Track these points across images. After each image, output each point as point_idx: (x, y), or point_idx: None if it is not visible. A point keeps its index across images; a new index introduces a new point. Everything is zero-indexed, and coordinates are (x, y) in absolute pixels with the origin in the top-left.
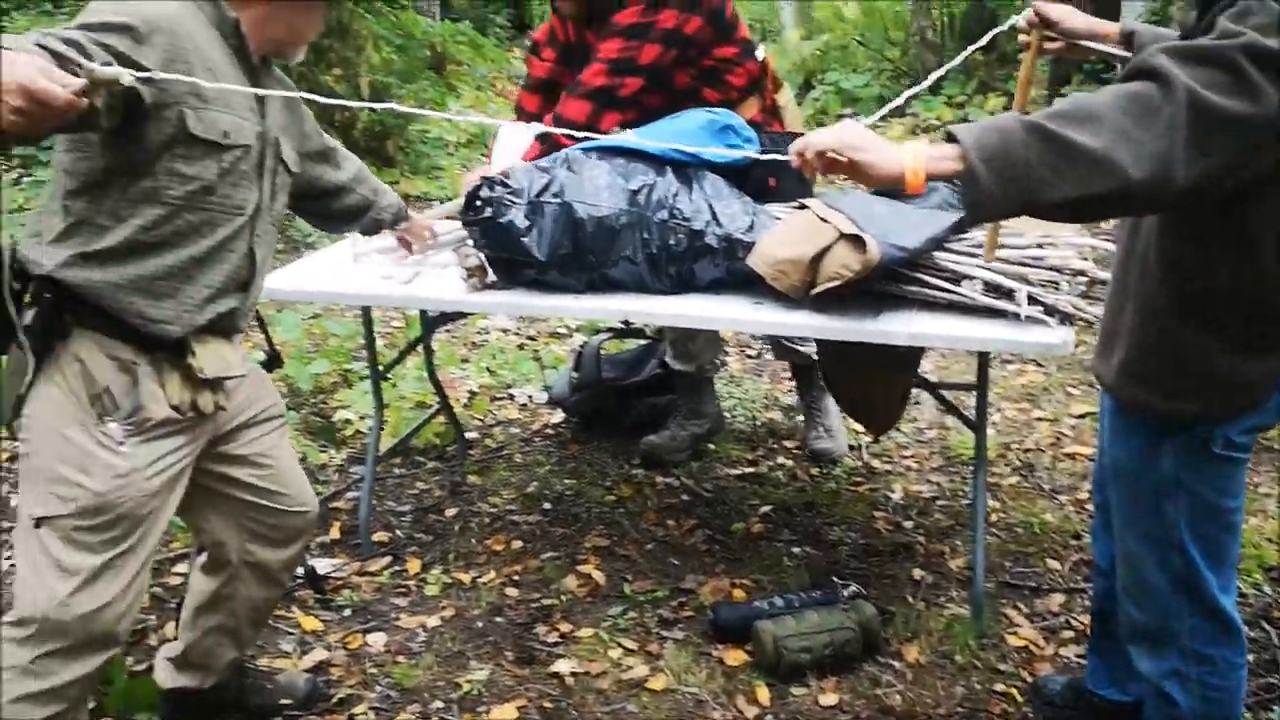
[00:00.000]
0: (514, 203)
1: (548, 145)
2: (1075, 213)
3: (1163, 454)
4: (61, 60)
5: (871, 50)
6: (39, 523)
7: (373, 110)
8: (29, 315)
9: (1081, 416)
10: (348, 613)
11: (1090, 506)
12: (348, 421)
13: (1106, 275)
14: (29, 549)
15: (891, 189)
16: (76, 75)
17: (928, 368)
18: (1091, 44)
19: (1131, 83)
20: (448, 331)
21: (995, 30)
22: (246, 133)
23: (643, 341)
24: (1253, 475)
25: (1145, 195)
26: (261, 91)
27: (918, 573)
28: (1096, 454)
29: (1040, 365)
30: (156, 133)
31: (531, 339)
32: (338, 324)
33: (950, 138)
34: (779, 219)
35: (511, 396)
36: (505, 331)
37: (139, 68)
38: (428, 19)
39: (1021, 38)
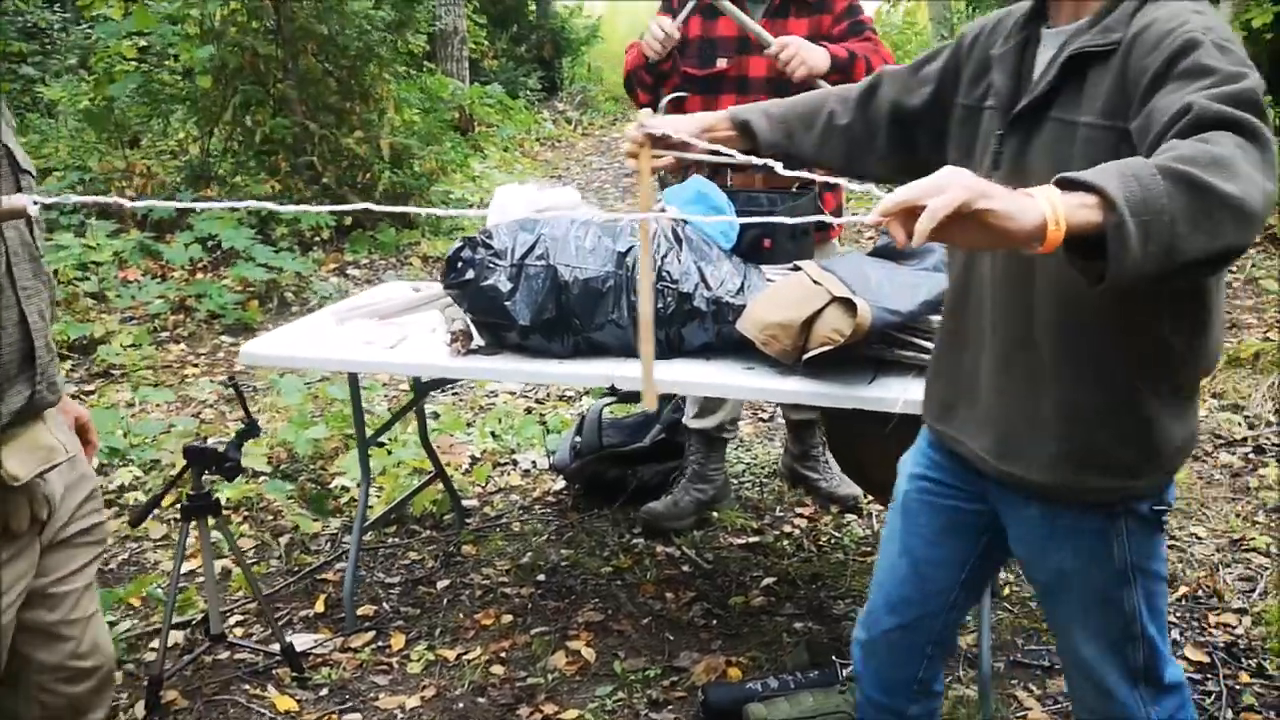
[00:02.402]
0: (497, 265)
1: None
2: (1198, 272)
3: (1115, 542)
4: None
5: None
6: None
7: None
8: None
9: None
10: (325, 692)
11: None
12: (345, 489)
13: None
14: None
15: (895, 250)
16: None
17: None
18: (703, 144)
19: (1219, 131)
20: (455, 395)
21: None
22: None
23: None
24: None
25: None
26: None
27: None
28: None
29: None
30: None
31: (540, 402)
32: (341, 388)
33: (1073, 184)
34: (771, 281)
35: (515, 462)
36: (513, 394)
37: None
38: (457, 81)
39: (630, 162)
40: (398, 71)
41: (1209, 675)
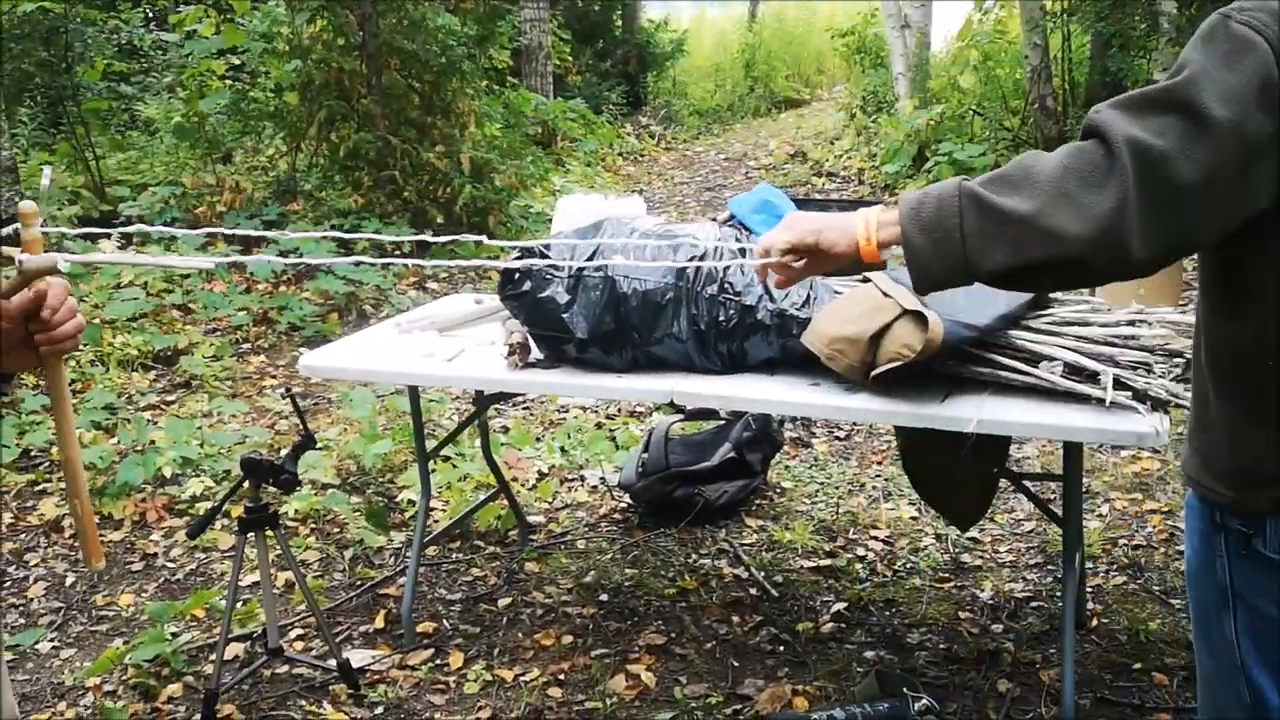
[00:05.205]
0: (554, 276)
1: None
2: (1019, 282)
3: (1216, 553)
4: None
5: (989, 119)
6: None
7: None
8: None
9: None
10: (380, 710)
11: None
12: (411, 502)
13: None
14: None
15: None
16: None
17: (1030, 453)
18: None
19: (1089, 140)
20: (525, 409)
21: None
22: None
23: (718, 422)
24: None
25: (1098, 263)
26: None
27: (1003, 684)
28: None
29: (1157, 451)
30: None
31: (610, 418)
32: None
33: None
34: (839, 293)
35: (583, 478)
36: (584, 409)
37: None
38: (540, 96)
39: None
40: (479, 87)
41: None
